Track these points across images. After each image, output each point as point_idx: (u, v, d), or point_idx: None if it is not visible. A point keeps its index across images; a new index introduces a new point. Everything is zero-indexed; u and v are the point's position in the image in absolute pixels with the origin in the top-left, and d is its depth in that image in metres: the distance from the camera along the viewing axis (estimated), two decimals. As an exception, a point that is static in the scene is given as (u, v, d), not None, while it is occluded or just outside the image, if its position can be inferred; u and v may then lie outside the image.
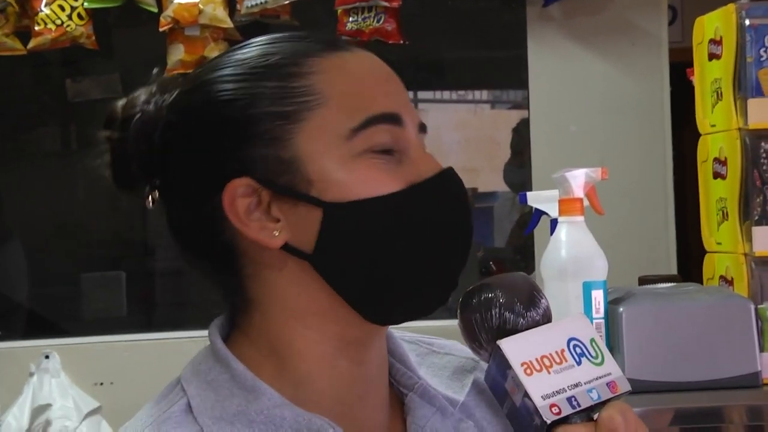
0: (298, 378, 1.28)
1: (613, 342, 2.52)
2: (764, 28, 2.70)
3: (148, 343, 3.85)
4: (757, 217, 2.72)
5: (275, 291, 1.28)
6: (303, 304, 1.27)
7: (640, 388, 2.50)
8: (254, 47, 1.31)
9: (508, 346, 1.19)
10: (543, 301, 1.23)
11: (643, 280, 2.90)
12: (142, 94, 1.33)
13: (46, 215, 4.69)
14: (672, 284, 2.82)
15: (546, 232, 2.84)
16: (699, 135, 2.98)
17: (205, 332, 3.55)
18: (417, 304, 1.29)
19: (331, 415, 1.26)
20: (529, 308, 1.22)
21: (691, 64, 3.17)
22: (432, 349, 1.45)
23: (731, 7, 2.75)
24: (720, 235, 2.87)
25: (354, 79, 1.27)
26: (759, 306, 2.67)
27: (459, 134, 6.44)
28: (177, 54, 3.72)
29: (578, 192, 2.58)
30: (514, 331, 1.21)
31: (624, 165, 3.60)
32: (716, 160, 2.85)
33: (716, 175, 2.86)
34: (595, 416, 1.18)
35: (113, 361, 3.80)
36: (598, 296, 2.54)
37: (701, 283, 3.02)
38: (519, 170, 4.38)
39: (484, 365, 1.44)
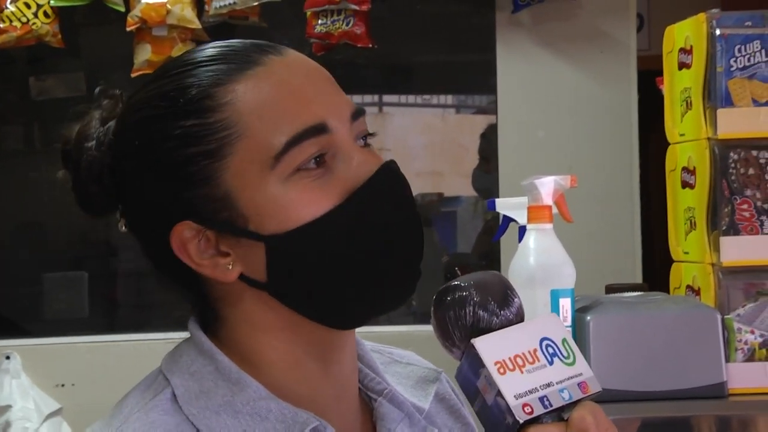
0: (275, 383, 1.28)
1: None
2: (734, 38, 2.70)
3: (110, 344, 3.83)
4: (725, 227, 2.72)
5: (242, 312, 1.28)
6: (270, 322, 1.27)
7: (606, 397, 2.48)
8: (168, 78, 1.29)
9: (482, 344, 1.19)
10: (516, 300, 1.22)
11: (610, 289, 2.90)
12: (91, 125, 1.32)
13: (8, 214, 4.65)
14: (639, 293, 2.81)
15: (512, 239, 2.84)
16: (663, 143, 2.98)
17: (167, 335, 3.54)
18: (381, 303, 1.29)
19: None
20: (503, 307, 1.22)
21: (657, 72, 3.17)
22: (393, 358, 1.46)
23: (702, 16, 2.75)
24: (687, 245, 2.87)
25: (268, 99, 1.25)
26: (725, 316, 2.68)
27: (424, 138, 6.43)
28: (144, 54, 3.70)
29: (547, 199, 2.57)
30: (488, 329, 1.20)
31: (591, 172, 3.60)
32: (685, 169, 2.85)
33: (684, 185, 2.85)
34: (566, 416, 1.17)
35: (75, 362, 3.78)
36: (565, 304, 2.53)
37: (667, 291, 3.01)
38: (487, 176, 4.36)
39: (445, 376, 1.47)
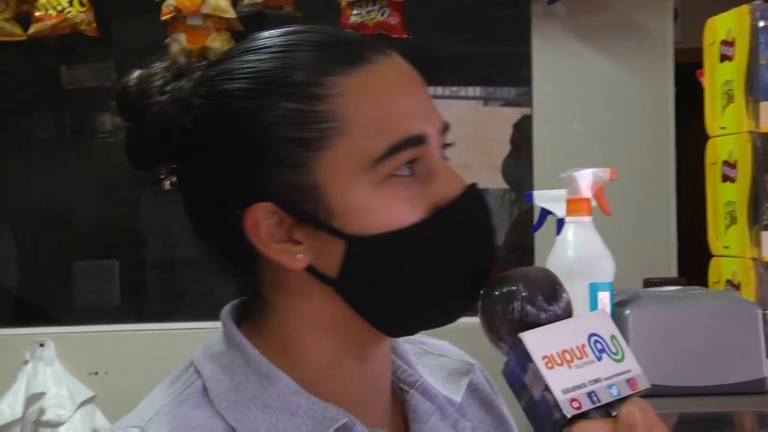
0: (308, 377, 1.28)
1: (618, 345, 2.52)
2: (778, 30, 2.69)
3: (142, 333, 3.86)
4: (766, 222, 2.70)
5: (294, 302, 1.27)
6: (321, 318, 1.27)
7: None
8: (271, 53, 1.26)
9: (530, 339, 1.19)
10: (564, 295, 1.23)
11: (649, 283, 2.89)
12: (156, 78, 1.29)
13: (38, 203, 4.68)
14: (678, 287, 2.80)
15: (545, 231, 2.84)
16: (695, 138, 2.97)
17: (198, 324, 3.53)
18: (437, 318, 1.29)
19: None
20: (551, 302, 1.22)
21: (691, 65, 3.16)
22: (426, 349, 1.46)
23: (745, 8, 2.73)
24: (727, 239, 2.85)
25: (377, 100, 1.22)
26: (766, 311, 2.66)
27: (454, 130, 6.45)
28: (178, 43, 3.70)
29: (586, 192, 2.57)
30: (536, 324, 1.20)
31: (626, 165, 3.56)
32: (725, 162, 2.83)
33: (725, 179, 2.83)
34: (614, 412, 1.17)
35: (108, 350, 3.80)
36: (604, 298, 2.53)
37: (704, 286, 3.00)
38: (518, 166, 4.35)
39: (480, 368, 1.48)
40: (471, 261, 1.27)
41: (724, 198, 2.84)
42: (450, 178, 1.25)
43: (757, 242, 2.71)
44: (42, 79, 4.64)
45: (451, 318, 1.28)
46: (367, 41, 1.27)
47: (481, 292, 1.26)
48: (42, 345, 3.73)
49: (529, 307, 1.21)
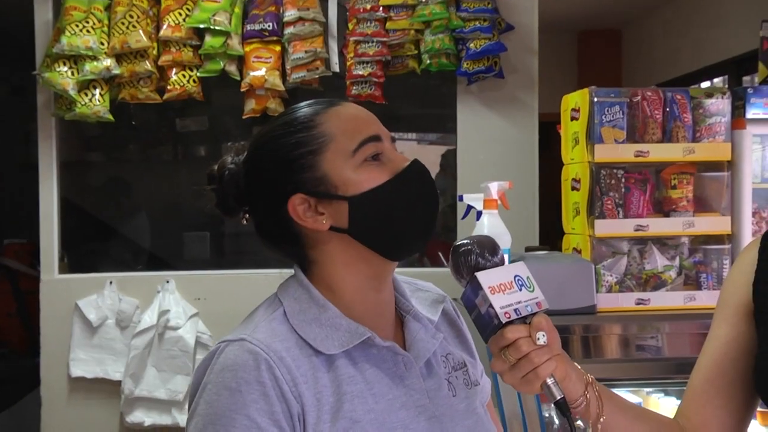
0: (345, 305, 1.25)
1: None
2: (605, 103, 2.69)
3: (224, 275, 3.81)
4: (597, 214, 2.70)
5: (328, 253, 1.25)
6: (346, 258, 1.24)
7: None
8: (287, 115, 1.27)
9: (481, 276, 1.20)
10: (500, 251, 1.24)
11: (529, 249, 2.89)
12: (227, 158, 1.29)
13: (163, 199, 4.61)
14: (545, 252, 2.81)
15: (468, 218, 2.83)
16: (557, 163, 2.97)
17: (256, 271, 3.44)
18: (412, 244, 1.27)
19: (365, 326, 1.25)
20: (492, 256, 1.23)
21: (546, 123, 3.14)
22: (417, 287, 1.44)
23: (586, 90, 2.74)
24: (574, 224, 2.85)
25: (347, 120, 1.24)
26: (596, 266, 2.67)
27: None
28: (250, 104, 3.67)
29: (495, 195, 2.56)
30: (484, 268, 1.21)
31: (514, 180, 3.57)
32: (573, 179, 2.83)
33: (573, 188, 2.83)
34: (529, 321, 1.19)
35: (205, 286, 3.76)
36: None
37: (559, 251, 3.01)
38: (444, 179, 4.33)
39: (449, 300, 1.47)
40: (421, 198, 1.25)
41: (573, 200, 2.84)
42: (400, 158, 1.25)
43: (591, 226, 2.71)
44: (167, 125, 4.57)
45: (420, 240, 1.26)
46: (337, 99, 1.29)
47: (451, 250, 1.26)
48: (167, 281, 3.69)
49: (480, 259, 1.22)
